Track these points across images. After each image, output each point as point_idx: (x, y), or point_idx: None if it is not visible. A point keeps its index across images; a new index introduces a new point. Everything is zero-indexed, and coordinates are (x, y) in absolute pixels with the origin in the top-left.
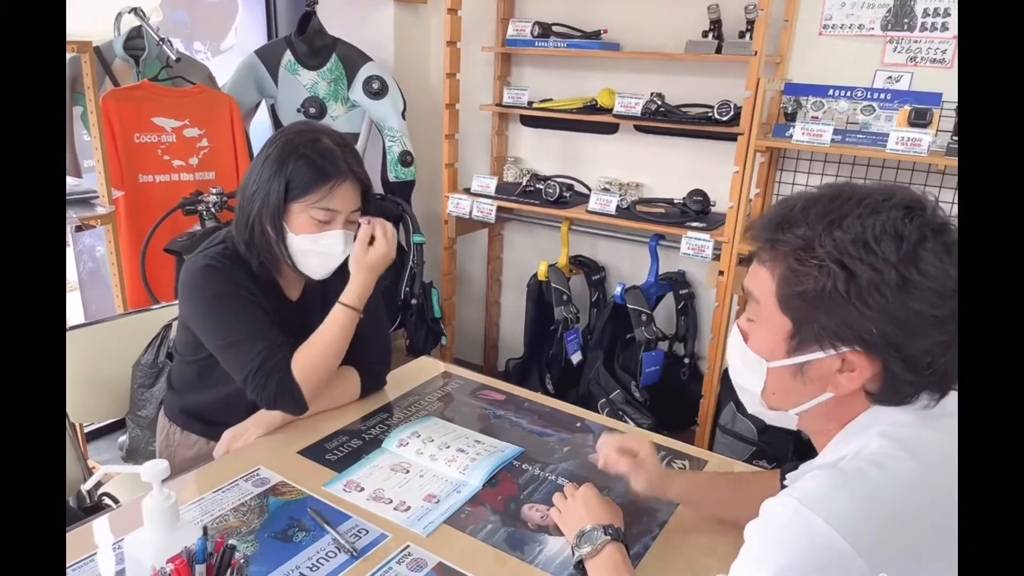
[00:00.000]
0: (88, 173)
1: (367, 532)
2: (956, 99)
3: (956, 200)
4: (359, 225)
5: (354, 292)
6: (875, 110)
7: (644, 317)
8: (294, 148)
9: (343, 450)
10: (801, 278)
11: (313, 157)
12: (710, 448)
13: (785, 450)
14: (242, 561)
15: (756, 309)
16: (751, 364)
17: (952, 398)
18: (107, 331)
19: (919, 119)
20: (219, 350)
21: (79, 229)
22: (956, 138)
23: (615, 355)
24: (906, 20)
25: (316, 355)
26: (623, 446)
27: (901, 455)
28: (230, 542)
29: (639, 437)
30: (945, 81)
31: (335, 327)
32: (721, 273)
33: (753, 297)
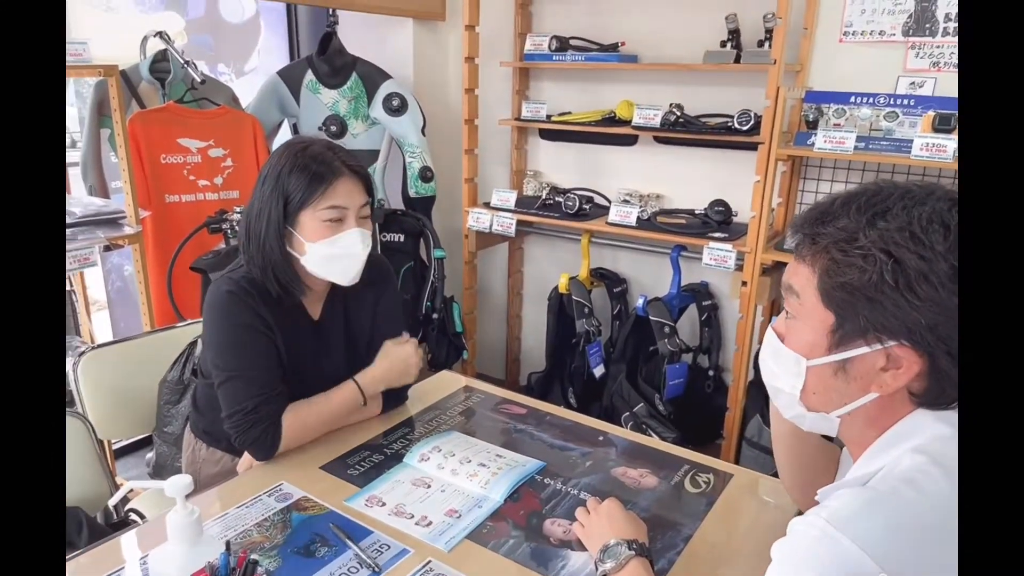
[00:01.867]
0: (116, 194)
1: (389, 547)
2: None
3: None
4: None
5: (373, 376)
6: (898, 116)
7: (667, 329)
8: (286, 161)
9: (365, 465)
10: (845, 269)
11: (306, 164)
12: (736, 462)
13: None
14: (265, 575)
15: (796, 305)
16: (788, 364)
17: None
18: (134, 349)
19: (943, 124)
20: (219, 377)
21: (107, 249)
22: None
23: (638, 368)
24: (928, 25)
25: (312, 419)
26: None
27: (934, 472)
28: (252, 556)
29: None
30: None
31: (342, 403)
32: (744, 284)
33: (793, 291)
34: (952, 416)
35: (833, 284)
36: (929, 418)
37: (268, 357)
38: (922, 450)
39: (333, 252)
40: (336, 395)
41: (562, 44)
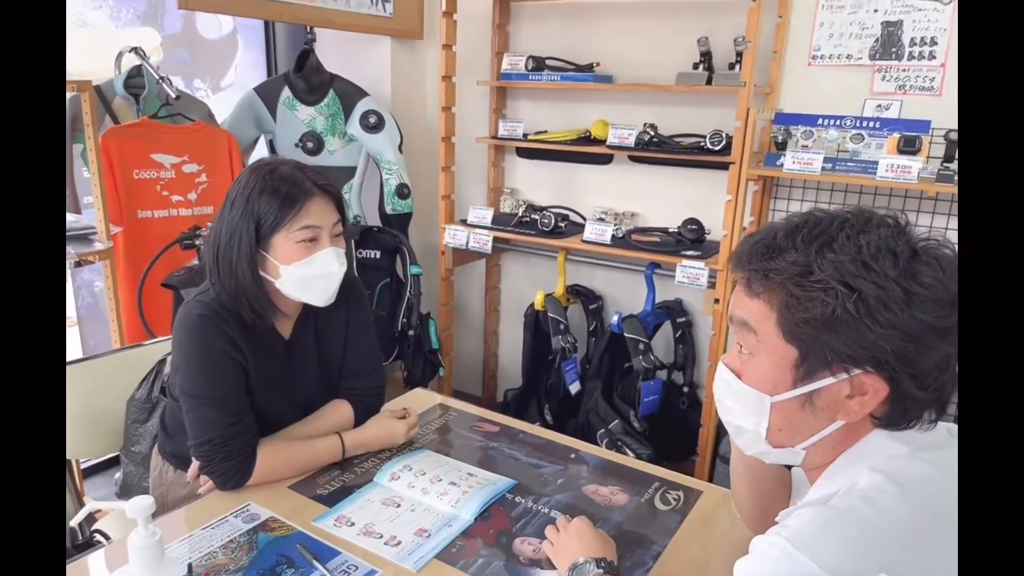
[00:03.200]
0: (88, 210)
1: (356, 568)
2: (945, 126)
3: (948, 225)
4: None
5: (359, 440)
6: (864, 138)
7: (642, 346)
8: (255, 184)
9: (334, 484)
10: (806, 304)
11: (276, 186)
12: (711, 478)
13: None
14: None
15: (754, 341)
16: (750, 402)
17: (935, 431)
18: (103, 366)
19: (908, 146)
20: (188, 403)
21: (78, 265)
22: (946, 164)
23: (613, 385)
24: (894, 50)
25: (289, 464)
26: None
27: (891, 491)
28: None
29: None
30: (934, 109)
31: (322, 454)
32: (717, 301)
33: (749, 328)
34: (906, 435)
35: (795, 319)
36: (884, 437)
37: (238, 383)
38: (879, 468)
39: (309, 273)
40: (318, 445)
41: (538, 64)
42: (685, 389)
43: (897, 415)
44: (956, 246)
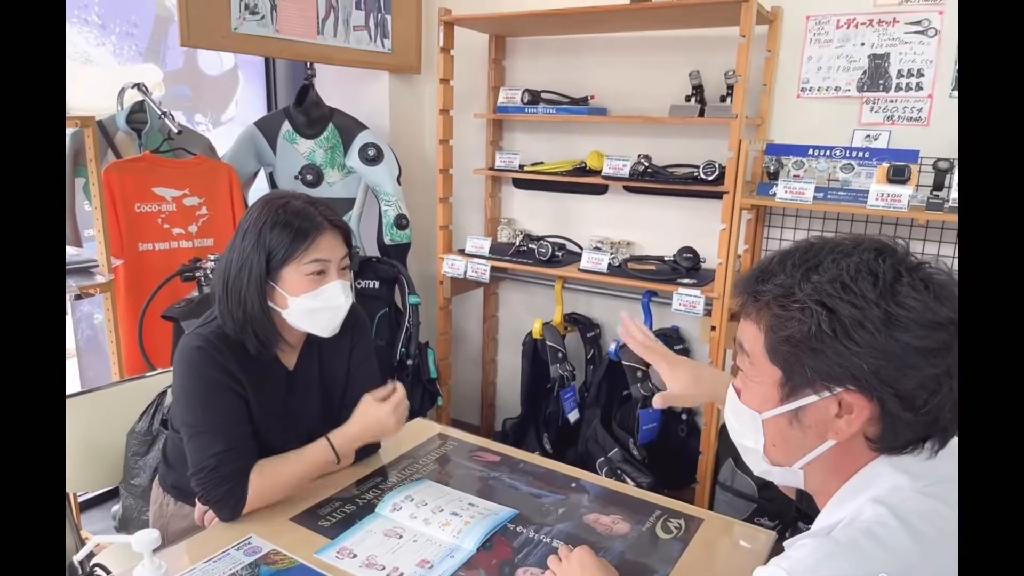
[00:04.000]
0: (89, 243)
1: None
2: (933, 155)
3: (940, 252)
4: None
5: (346, 435)
6: (854, 168)
7: (640, 373)
8: (267, 217)
9: (336, 516)
10: (785, 323)
11: (288, 219)
12: (710, 506)
13: (787, 507)
14: None
15: (747, 363)
16: (746, 420)
17: (944, 460)
18: (103, 399)
19: (897, 175)
20: (186, 433)
21: (78, 298)
22: (936, 192)
23: (612, 413)
24: (881, 81)
25: (281, 479)
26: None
27: (895, 526)
28: None
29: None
30: (922, 138)
31: (313, 462)
32: (713, 328)
33: (744, 351)
34: (911, 466)
35: (777, 339)
36: (887, 467)
37: (236, 414)
38: (882, 501)
39: (316, 305)
40: (308, 454)
41: (534, 97)
42: (684, 416)
43: (889, 436)
44: (953, 272)
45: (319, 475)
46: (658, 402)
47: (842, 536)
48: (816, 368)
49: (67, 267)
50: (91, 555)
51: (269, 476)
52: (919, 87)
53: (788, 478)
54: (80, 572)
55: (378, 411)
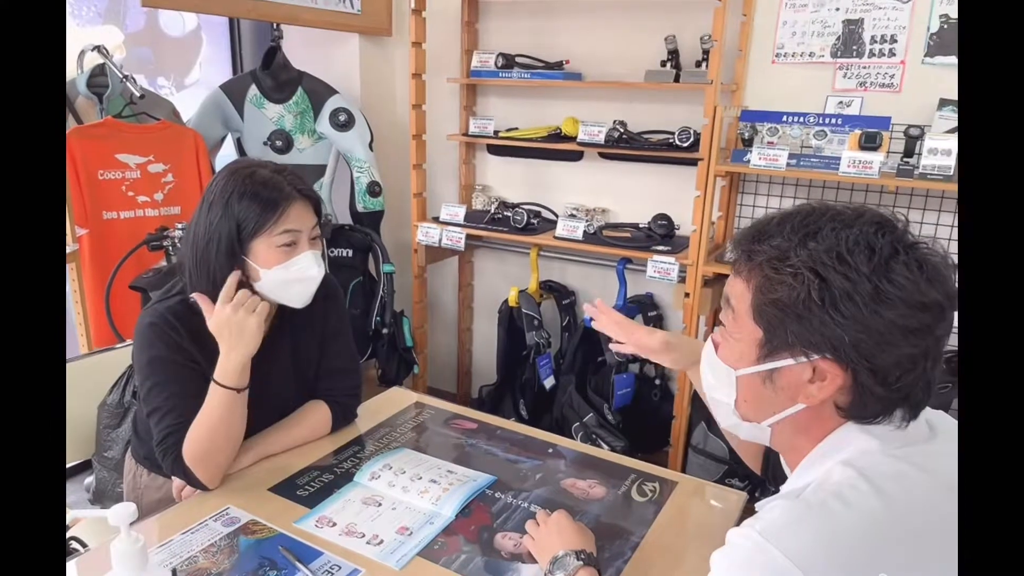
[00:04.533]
0: None
1: (340, 568)
2: (904, 122)
3: (909, 218)
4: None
5: (223, 367)
6: (827, 135)
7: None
8: (233, 188)
9: (314, 485)
10: (776, 286)
11: (256, 190)
12: (683, 468)
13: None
14: None
15: (730, 319)
16: (721, 375)
17: (915, 426)
18: (72, 371)
19: (869, 142)
20: (144, 408)
21: None
22: (906, 159)
23: (587, 379)
24: (855, 47)
25: (203, 440)
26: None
27: (864, 489)
28: None
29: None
30: (894, 105)
31: (213, 410)
32: (687, 295)
33: (730, 305)
34: (878, 430)
35: (764, 300)
36: (855, 431)
37: (188, 388)
38: (850, 463)
39: (288, 276)
40: (206, 407)
41: (508, 61)
42: (657, 382)
43: (857, 407)
44: (947, 256)
45: (228, 412)
46: (624, 348)
47: (812, 498)
48: (798, 333)
49: None
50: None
51: (193, 442)
52: (892, 53)
53: (755, 433)
54: None
55: (218, 315)
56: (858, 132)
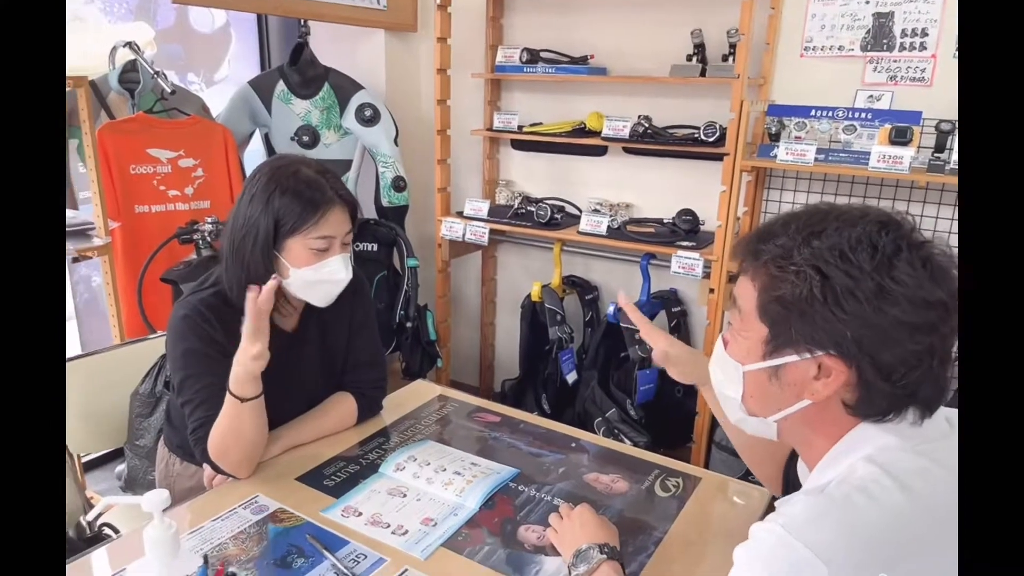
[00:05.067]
0: (84, 205)
1: (365, 557)
2: (936, 117)
3: (939, 215)
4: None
5: (233, 375)
6: (856, 129)
7: (637, 336)
8: (277, 184)
9: (340, 476)
10: (779, 284)
11: (299, 190)
12: (706, 464)
13: None
14: None
15: (737, 317)
16: (728, 371)
17: (933, 424)
18: (105, 361)
19: (899, 137)
20: (179, 400)
21: (76, 260)
22: (937, 154)
23: (610, 374)
24: (885, 41)
25: (222, 440)
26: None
27: (888, 484)
28: (230, 569)
29: (660, 333)
30: (925, 99)
31: (225, 416)
32: (711, 291)
33: (737, 305)
34: (896, 427)
35: (769, 298)
36: (874, 429)
37: (220, 382)
38: (873, 460)
39: (317, 278)
40: (223, 408)
41: (532, 56)
42: None
43: (864, 404)
44: (954, 249)
45: (248, 420)
46: (658, 357)
47: (836, 492)
48: (801, 331)
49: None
50: (99, 515)
51: (215, 438)
52: (923, 47)
53: (762, 429)
54: (88, 532)
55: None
56: (888, 127)
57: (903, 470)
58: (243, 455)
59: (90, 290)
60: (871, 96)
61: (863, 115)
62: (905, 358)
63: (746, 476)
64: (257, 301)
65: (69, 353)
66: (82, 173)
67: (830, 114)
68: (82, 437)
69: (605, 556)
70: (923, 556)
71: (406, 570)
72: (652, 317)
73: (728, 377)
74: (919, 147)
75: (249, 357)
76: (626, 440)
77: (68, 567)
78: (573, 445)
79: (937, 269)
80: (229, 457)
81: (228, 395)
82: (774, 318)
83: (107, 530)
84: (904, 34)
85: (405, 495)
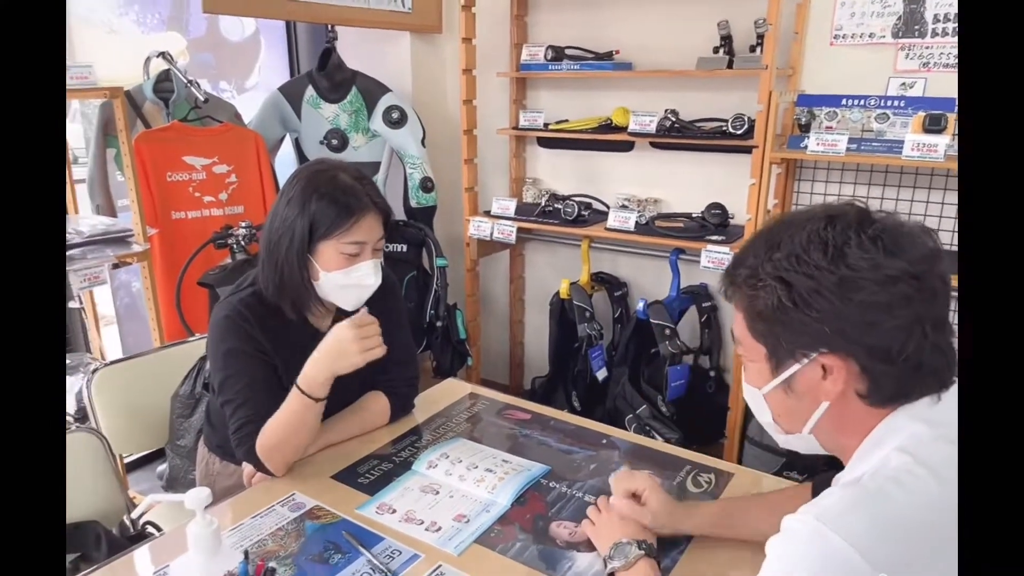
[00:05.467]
0: (123, 212)
1: (400, 553)
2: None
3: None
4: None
5: (306, 373)
6: (889, 117)
7: (668, 331)
8: (315, 188)
9: (374, 473)
10: (755, 302)
11: (335, 195)
12: (739, 460)
13: (815, 460)
14: None
15: (740, 347)
16: (754, 399)
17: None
18: (145, 364)
19: (934, 125)
20: (220, 400)
21: (116, 267)
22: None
23: (640, 370)
24: (917, 27)
25: (277, 435)
26: (627, 488)
27: (921, 473)
28: (270, 564)
29: (642, 475)
30: None
31: (292, 412)
32: None
33: (736, 338)
34: (925, 413)
35: (752, 317)
36: (904, 419)
37: (261, 379)
38: (906, 450)
39: (347, 282)
40: (285, 408)
41: (557, 54)
42: (712, 373)
43: (876, 390)
44: (913, 220)
45: (303, 415)
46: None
47: (870, 484)
48: (789, 339)
49: (103, 237)
50: (143, 513)
51: (268, 436)
52: (955, 32)
53: (804, 445)
54: (131, 530)
55: (339, 330)
56: (922, 114)
57: (936, 459)
58: (292, 453)
59: (130, 295)
60: (904, 83)
61: (896, 103)
62: (894, 335)
63: (780, 472)
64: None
65: (111, 356)
66: (120, 181)
67: (862, 103)
68: (124, 438)
69: (643, 552)
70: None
71: (440, 566)
72: (682, 313)
73: (757, 406)
74: (954, 135)
75: (348, 339)
76: (658, 437)
77: (114, 564)
78: (604, 442)
79: (890, 242)
80: (278, 452)
81: (297, 393)
82: (764, 335)
83: (150, 528)
84: (936, 19)
85: (438, 492)
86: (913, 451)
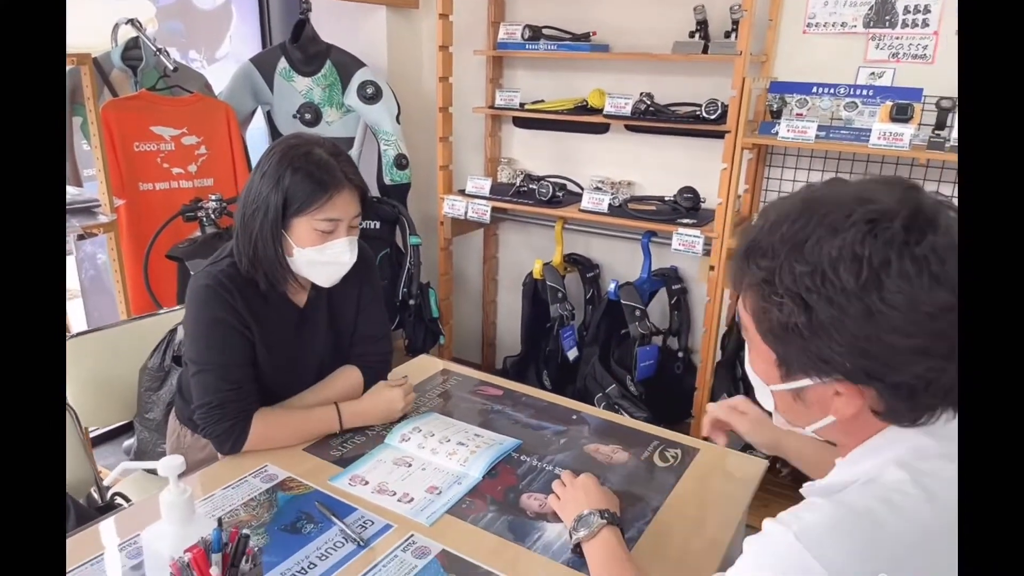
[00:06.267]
0: (89, 182)
1: (373, 523)
2: (937, 94)
3: (939, 192)
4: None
5: (355, 411)
6: (858, 106)
7: (638, 313)
8: (289, 162)
9: (347, 446)
10: (767, 314)
11: (310, 170)
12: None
13: None
14: (256, 550)
15: (747, 335)
16: (758, 386)
17: None
18: (112, 337)
19: (900, 114)
20: (192, 369)
21: (81, 238)
22: (938, 131)
23: (610, 351)
24: (888, 17)
25: (284, 431)
26: (724, 415)
27: (916, 494)
28: (244, 531)
29: (739, 397)
30: (927, 76)
31: (319, 424)
32: (712, 268)
33: (742, 326)
34: (933, 428)
35: (763, 327)
36: (911, 430)
37: (240, 353)
38: (904, 465)
39: (320, 259)
40: (314, 414)
41: (535, 33)
42: (680, 354)
43: (892, 415)
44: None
45: (317, 436)
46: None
47: (859, 502)
48: (802, 360)
49: (68, 207)
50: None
51: (272, 425)
52: (925, 24)
53: (805, 435)
54: (100, 501)
55: (390, 393)
56: (889, 104)
57: (935, 478)
58: (277, 446)
59: (95, 267)
60: (873, 73)
61: (865, 92)
62: (922, 375)
63: (744, 449)
64: None
65: (75, 330)
66: (86, 151)
67: (832, 91)
68: (91, 411)
69: (605, 521)
70: (948, 571)
71: (412, 535)
72: (652, 295)
73: (760, 389)
74: (920, 124)
75: (397, 405)
76: (626, 415)
77: (83, 534)
78: (574, 417)
79: (937, 266)
80: (271, 443)
81: (334, 417)
82: (775, 345)
83: (119, 499)
84: (907, 11)
85: (411, 465)
86: (913, 467)
